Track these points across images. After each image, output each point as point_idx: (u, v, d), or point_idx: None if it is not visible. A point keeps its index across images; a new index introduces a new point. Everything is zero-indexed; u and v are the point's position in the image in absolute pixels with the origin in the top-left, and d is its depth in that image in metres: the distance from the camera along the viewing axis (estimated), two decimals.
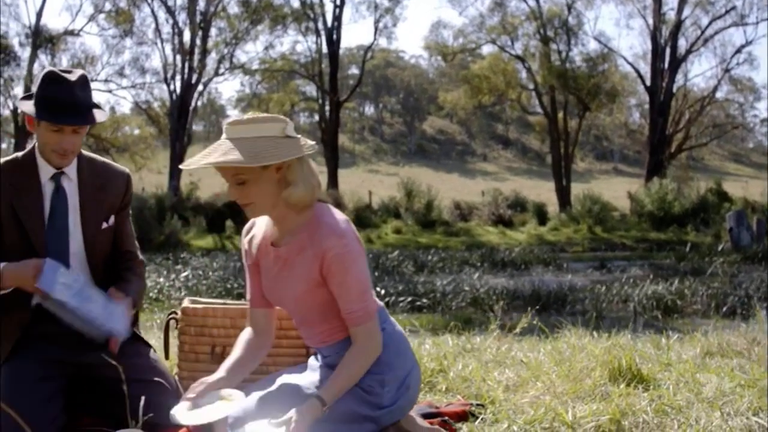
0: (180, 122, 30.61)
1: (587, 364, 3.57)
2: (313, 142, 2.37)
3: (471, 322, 8.10)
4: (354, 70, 57.62)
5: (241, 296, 11.12)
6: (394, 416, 2.45)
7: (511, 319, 9.11)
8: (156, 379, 2.72)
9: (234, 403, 2.26)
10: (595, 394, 3.15)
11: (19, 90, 30.01)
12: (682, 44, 33.65)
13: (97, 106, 2.77)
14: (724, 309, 9.58)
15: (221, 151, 2.24)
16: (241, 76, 42.85)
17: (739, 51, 33.93)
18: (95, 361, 2.72)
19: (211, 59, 32.08)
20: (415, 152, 68.32)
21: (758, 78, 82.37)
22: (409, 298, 10.48)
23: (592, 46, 49.41)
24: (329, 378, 2.34)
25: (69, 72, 2.71)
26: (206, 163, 2.23)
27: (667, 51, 33.12)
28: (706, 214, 25.28)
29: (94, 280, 2.77)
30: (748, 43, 33.38)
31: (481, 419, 2.81)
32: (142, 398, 2.34)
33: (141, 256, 2.98)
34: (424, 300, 10.54)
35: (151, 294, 10.95)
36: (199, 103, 35.60)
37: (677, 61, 33.20)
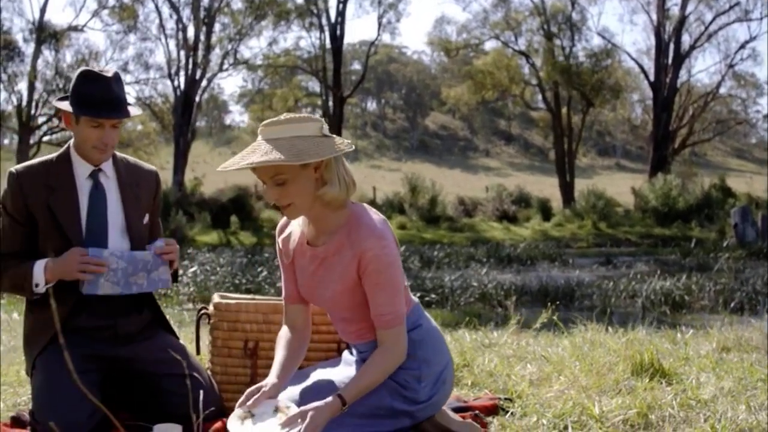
0: (184, 118, 30.64)
1: (609, 359, 3.61)
2: (350, 141, 2.37)
3: (480, 318, 8.15)
4: (356, 66, 57.65)
5: (249, 291, 11.16)
6: (430, 411, 2.48)
7: (520, 315, 9.18)
8: (190, 373, 2.74)
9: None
10: (619, 388, 3.18)
11: (23, 86, 30.08)
12: (686, 40, 33.69)
13: (130, 103, 2.82)
14: (732, 305, 9.62)
15: (261, 151, 2.23)
16: (243, 72, 42.82)
17: (743, 47, 33.95)
18: (131, 355, 2.75)
19: (215, 55, 32.13)
20: (417, 148, 68.32)
21: (761, 74, 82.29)
22: (418, 294, 10.52)
23: (596, 41, 49.45)
24: (352, 378, 2.35)
25: (102, 70, 2.76)
26: (248, 164, 2.22)
27: (671, 47, 33.10)
28: (710, 209, 25.32)
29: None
30: (752, 38, 33.48)
31: (511, 413, 2.85)
32: (201, 392, 2.36)
33: None
34: (433, 295, 10.59)
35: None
36: (202, 99, 35.54)
37: (681, 57, 33.19)
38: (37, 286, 2.65)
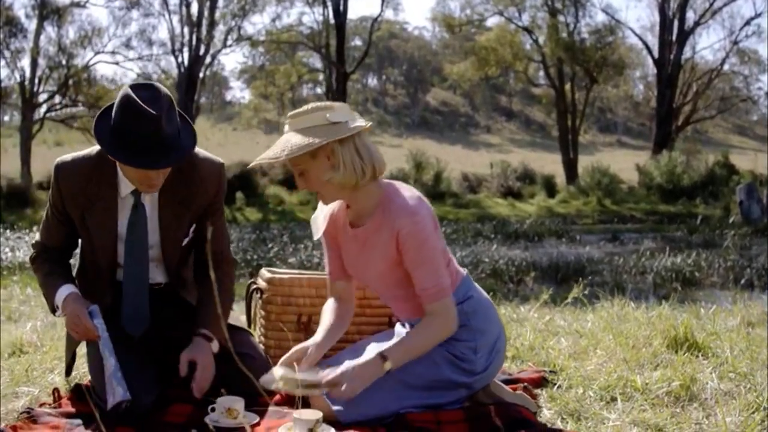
0: (188, 95, 30.57)
1: (644, 333, 3.69)
2: (363, 123, 2.41)
3: (495, 293, 8.23)
4: (357, 42, 57.35)
5: (260, 267, 11.20)
6: (485, 381, 2.57)
7: (532, 290, 9.27)
8: (244, 351, 2.76)
9: None
10: (657, 361, 3.26)
11: (25, 62, 29.98)
12: (690, 16, 33.52)
13: (188, 123, 2.56)
14: (742, 281, 9.69)
15: (272, 148, 2.38)
16: (244, 48, 42.66)
17: (747, 23, 33.78)
18: (182, 334, 2.77)
19: (219, 31, 32.00)
20: (418, 124, 68.15)
21: (763, 50, 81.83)
22: None
23: (600, 18, 49.17)
24: (398, 341, 2.43)
25: (152, 93, 2.39)
26: (255, 163, 2.41)
27: (675, 23, 32.96)
28: (715, 186, 25.36)
29: (176, 288, 2.78)
30: (757, 15, 33.20)
31: (558, 386, 2.92)
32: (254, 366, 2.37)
33: (231, 255, 2.83)
34: None
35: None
36: (205, 75, 35.43)
37: (685, 34, 33.05)
38: (57, 308, 2.60)
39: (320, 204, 2.59)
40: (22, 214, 22.04)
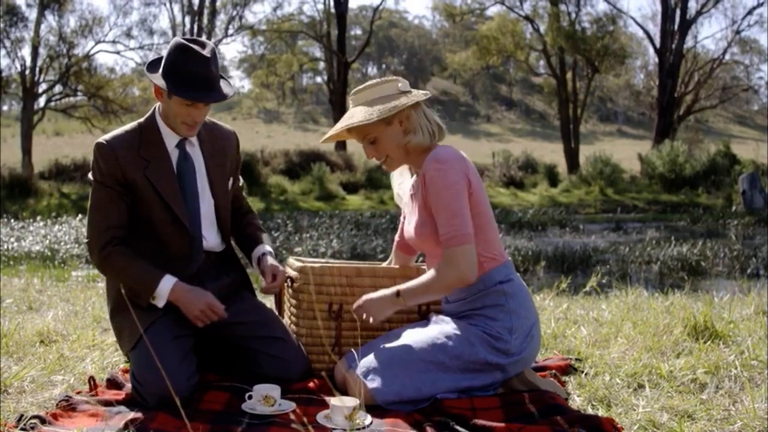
0: None
1: (664, 321, 3.73)
2: (426, 91, 2.65)
3: None
4: (357, 31, 57.25)
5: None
6: (520, 366, 2.61)
7: (538, 279, 9.30)
8: (279, 335, 2.84)
9: None
10: (679, 349, 3.30)
11: (26, 51, 29.91)
12: (693, 5, 33.44)
13: (223, 77, 2.79)
14: (748, 271, 9.73)
15: (346, 117, 2.58)
16: (244, 38, 42.56)
17: (750, 13, 33.66)
18: (226, 319, 2.80)
19: (220, 20, 31.93)
20: None
21: (764, 40, 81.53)
22: None
23: (601, 6, 49.03)
24: (414, 281, 2.59)
25: (200, 44, 2.69)
26: (335, 131, 2.65)
27: (677, 12, 32.88)
28: (717, 176, 25.33)
29: (222, 238, 2.93)
30: (760, 4, 33.02)
31: (585, 373, 2.96)
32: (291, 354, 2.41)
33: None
34: None
35: None
36: None
37: (687, 23, 32.98)
38: (153, 299, 2.65)
39: (395, 182, 2.85)
40: (25, 203, 22.05)
